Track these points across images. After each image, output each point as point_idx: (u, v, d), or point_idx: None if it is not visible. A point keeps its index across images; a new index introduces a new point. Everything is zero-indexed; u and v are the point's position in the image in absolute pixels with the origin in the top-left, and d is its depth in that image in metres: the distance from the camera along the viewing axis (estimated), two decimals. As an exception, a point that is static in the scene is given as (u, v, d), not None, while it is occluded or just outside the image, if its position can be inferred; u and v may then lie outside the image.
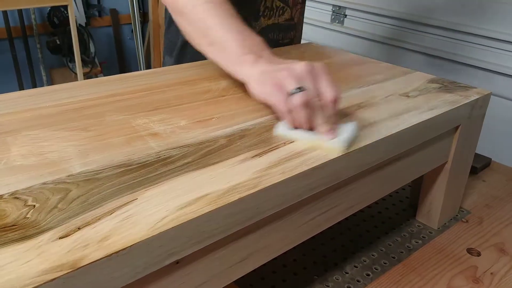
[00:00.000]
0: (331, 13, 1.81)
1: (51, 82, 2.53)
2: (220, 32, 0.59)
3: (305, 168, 0.44)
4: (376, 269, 0.63)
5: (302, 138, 0.49)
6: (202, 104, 0.59)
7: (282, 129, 0.51)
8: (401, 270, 0.63)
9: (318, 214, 0.51)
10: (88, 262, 0.30)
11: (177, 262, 0.37)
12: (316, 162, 0.45)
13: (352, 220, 0.71)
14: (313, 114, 0.49)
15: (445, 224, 0.73)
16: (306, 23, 1.86)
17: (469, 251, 0.67)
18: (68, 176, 0.40)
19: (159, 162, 0.44)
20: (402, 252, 0.66)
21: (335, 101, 0.49)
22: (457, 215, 0.76)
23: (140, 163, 0.44)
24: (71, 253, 0.31)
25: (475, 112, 0.67)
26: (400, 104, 0.61)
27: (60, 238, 0.33)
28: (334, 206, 0.52)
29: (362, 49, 1.70)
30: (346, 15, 1.76)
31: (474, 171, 0.86)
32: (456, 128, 0.66)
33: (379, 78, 0.72)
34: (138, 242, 0.33)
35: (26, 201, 0.37)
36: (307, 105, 0.48)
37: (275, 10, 0.91)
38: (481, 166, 0.90)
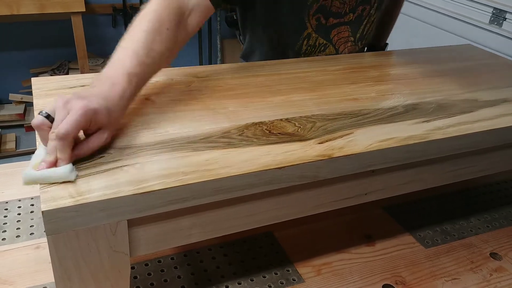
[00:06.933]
0: (490, 15, 1.90)
1: (222, 50, 2.99)
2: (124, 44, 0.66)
3: (457, 133, 0.68)
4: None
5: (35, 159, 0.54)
6: (382, 83, 0.85)
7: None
8: None
9: (459, 168, 0.74)
10: (335, 156, 0.59)
11: (372, 171, 0.65)
12: (466, 131, 0.69)
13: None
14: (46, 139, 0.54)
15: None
16: (462, 20, 1.98)
17: None
18: (312, 115, 0.70)
19: (362, 115, 0.71)
20: None
21: (60, 137, 0.51)
22: None
23: (351, 113, 0.72)
24: (326, 151, 0.60)
25: None
26: (537, 103, 0.81)
27: (318, 143, 0.62)
28: (470, 166, 0.75)
29: (517, 53, 1.78)
30: (505, 19, 1.84)
31: None
32: None
33: (525, 81, 0.91)
34: (358, 153, 0.61)
35: (295, 123, 0.67)
36: (39, 128, 0.54)
37: (317, 47, 1.00)
38: None
